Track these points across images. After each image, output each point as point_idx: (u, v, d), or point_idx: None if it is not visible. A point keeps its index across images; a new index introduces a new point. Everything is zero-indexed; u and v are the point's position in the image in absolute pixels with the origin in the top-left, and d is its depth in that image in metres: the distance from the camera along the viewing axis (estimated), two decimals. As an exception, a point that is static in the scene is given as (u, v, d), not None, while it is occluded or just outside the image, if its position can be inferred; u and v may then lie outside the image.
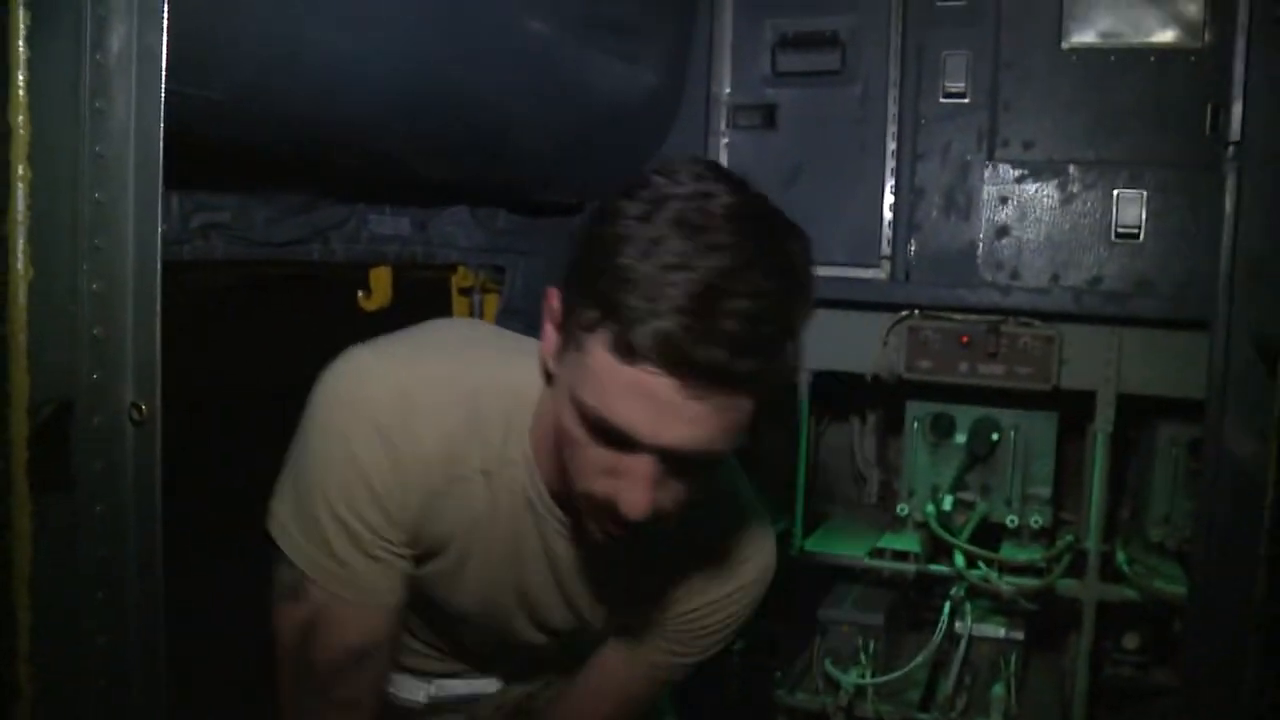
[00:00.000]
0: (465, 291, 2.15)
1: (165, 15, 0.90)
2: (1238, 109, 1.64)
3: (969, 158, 2.27)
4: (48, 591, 0.84)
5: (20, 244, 0.84)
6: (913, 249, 2.32)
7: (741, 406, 0.94)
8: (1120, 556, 2.33)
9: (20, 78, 0.84)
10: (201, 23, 1.12)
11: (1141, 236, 2.18)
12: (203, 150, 1.28)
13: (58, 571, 0.85)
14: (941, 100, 2.27)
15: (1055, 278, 2.23)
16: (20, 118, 0.84)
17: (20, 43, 0.84)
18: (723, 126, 2.39)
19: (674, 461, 0.96)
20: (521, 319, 2.17)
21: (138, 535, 0.88)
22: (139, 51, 0.90)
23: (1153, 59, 2.16)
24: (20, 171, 0.84)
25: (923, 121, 2.29)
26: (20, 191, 0.84)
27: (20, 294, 0.84)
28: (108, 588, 0.89)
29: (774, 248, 0.94)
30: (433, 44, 1.50)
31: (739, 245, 0.91)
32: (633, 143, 2.22)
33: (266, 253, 1.65)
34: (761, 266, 0.91)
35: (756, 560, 1.24)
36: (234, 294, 2.09)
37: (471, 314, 2.14)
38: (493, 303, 2.18)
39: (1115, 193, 2.19)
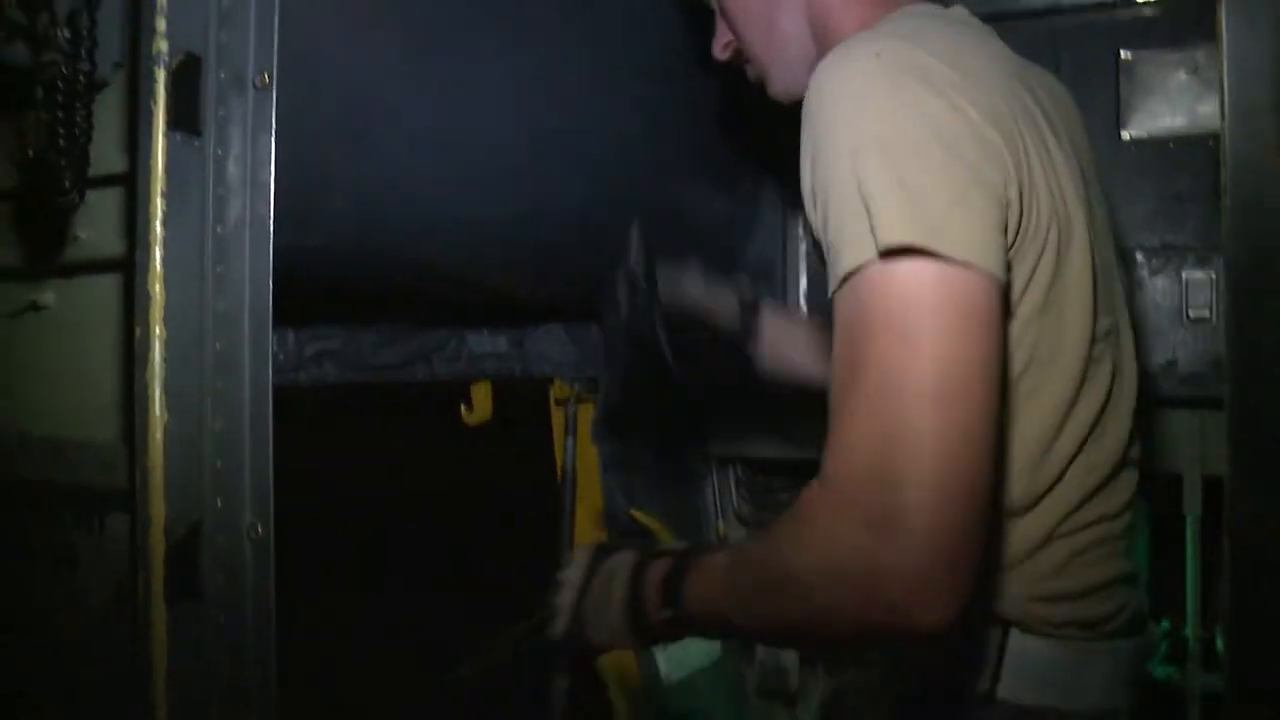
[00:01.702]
0: (561, 402, 2.29)
1: (272, 188, 1.07)
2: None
3: (1037, 251, 2.33)
4: (180, 686, 0.98)
5: (157, 393, 1.00)
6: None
7: None
8: (1220, 644, 2.32)
9: (157, 254, 1.01)
10: (302, 180, 1.28)
11: (1214, 318, 2.22)
12: (312, 291, 1.44)
13: (188, 668, 0.99)
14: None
15: (1131, 363, 2.28)
16: (157, 287, 1.01)
17: (157, 224, 1.01)
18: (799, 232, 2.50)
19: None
20: (617, 425, 2.30)
21: (255, 637, 1.02)
22: (251, 219, 1.07)
23: (1212, 144, 2.22)
24: (157, 331, 1.01)
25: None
26: (157, 348, 1.01)
27: (158, 435, 1.00)
28: (229, 683, 1.03)
29: None
30: (525, 181, 1.65)
31: None
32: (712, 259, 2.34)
33: (374, 375, 1.82)
34: None
35: None
36: (346, 412, 2.27)
37: (566, 425, 2.27)
38: (587, 412, 2.31)
39: (1184, 275, 2.23)
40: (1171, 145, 2.23)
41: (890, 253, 0.93)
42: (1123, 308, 1.30)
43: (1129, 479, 1.24)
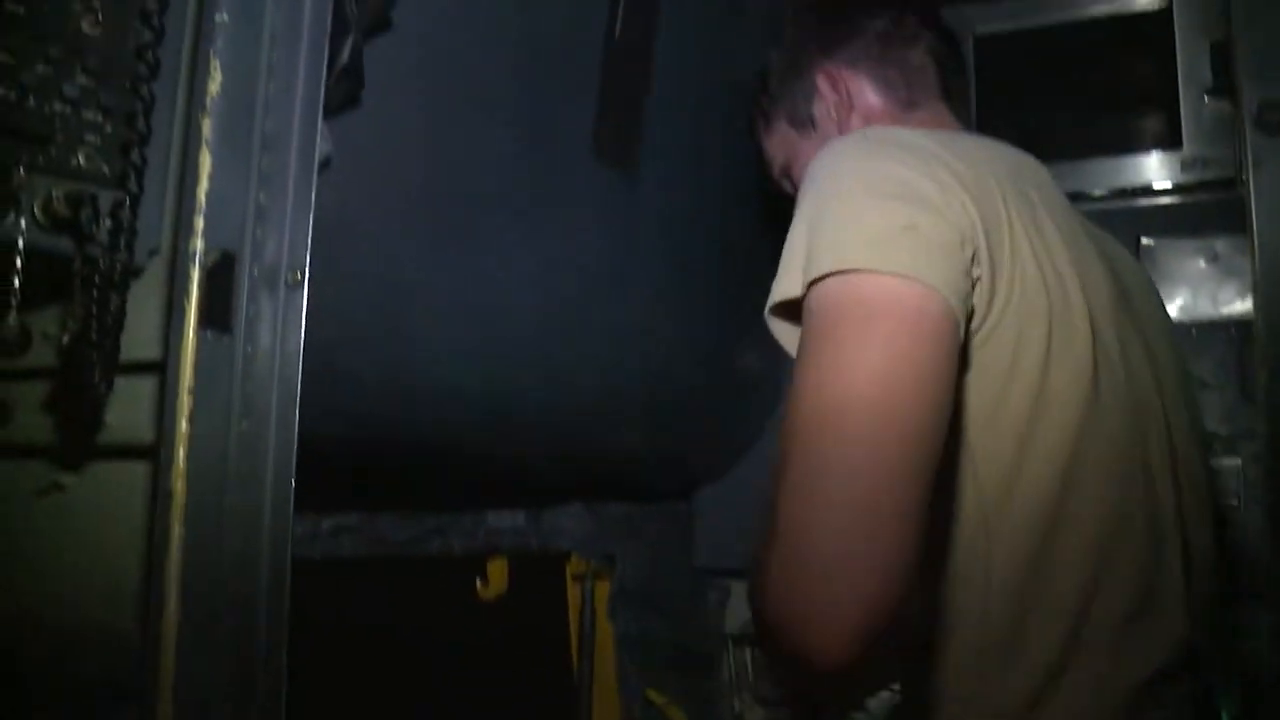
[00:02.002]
0: (578, 578, 2.26)
1: (299, 384, 1.08)
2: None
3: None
4: None
5: (173, 593, 0.99)
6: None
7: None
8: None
9: (181, 451, 1.01)
10: (329, 369, 1.29)
11: (1241, 506, 2.19)
12: (334, 477, 1.44)
13: None
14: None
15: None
16: (179, 484, 1.00)
17: (184, 421, 1.01)
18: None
19: None
20: (633, 602, 2.27)
21: None
22: (277, 417, 1.07)
23: (1233, 330, 2.23)
24: (176, 530, 1.00)
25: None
26: (175, 547, 1.00)
27: (171, 634, 0.99)
28: None
29: None
30: (550, 359, 1.66)
31: None
32: (736, 437, 2.34)
33: (390, 550, 1.80)
34: None
35: None
36: (359, 583, 2.24)
37: (583, 601, 2.24)
38: (604, 589, 2.28)
39: (1210, 463, 2.21)
40: (1194, 332, 2.24)
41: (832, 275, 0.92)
42: (1200, 486, 1.21)
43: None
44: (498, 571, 2.08)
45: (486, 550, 2.02)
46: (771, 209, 1.65)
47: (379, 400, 1.41)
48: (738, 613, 2.52)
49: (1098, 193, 2.34)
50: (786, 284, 0.98)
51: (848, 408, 0.86)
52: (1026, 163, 1.21)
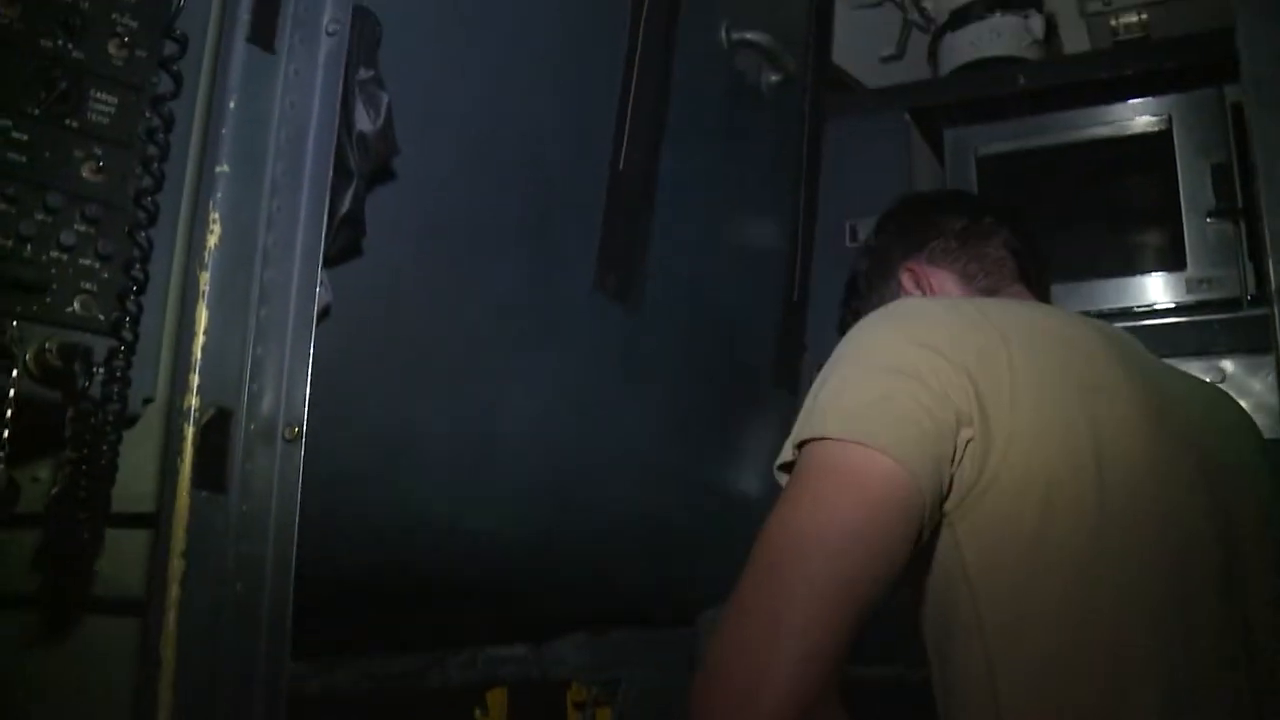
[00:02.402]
0: (579, 705, 2.20)
1: (295, 541, 1.05)
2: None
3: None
4: None
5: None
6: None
7: None
8: None
9: (172, 617, 0.97)
10: (327, 520, 1.26)
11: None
12: (330, 617, 1.40)
13: None
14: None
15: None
16: (169, 651, 0.97)
17: (175, 586, 0.98)
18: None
19: None
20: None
21: None
22: (272, 576, 1.04)
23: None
24: (166, 698, 0.96)
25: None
26: (164, 715, 0.96)
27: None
28: None
29: None
30: (545, 503, 1.63)
31: None
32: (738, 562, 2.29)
33: (387, 683, 1.75)
34: None
35: None
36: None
37: (585, 731, 2.19)
38: (605, 715, 2.22)
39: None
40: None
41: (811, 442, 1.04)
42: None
43: None
44: (497, 701, 2.03)
45: (486, 681, 1.97)
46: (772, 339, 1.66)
47: (377, 544, 1.38)
48: None
49: (1104, 311, 2.33)
50: (787, 448, 1.09)
51: (792, 549, 0.99)
52: (1083, 326, 1.24)
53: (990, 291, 1.40)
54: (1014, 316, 1.16)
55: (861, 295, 1.55)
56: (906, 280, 1.45)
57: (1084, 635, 1.05)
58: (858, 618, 0.97)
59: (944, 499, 1.05)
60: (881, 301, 1.43)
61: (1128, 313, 2.31)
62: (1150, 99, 2.36)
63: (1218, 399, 1.36)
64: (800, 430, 1.06)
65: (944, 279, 1.42)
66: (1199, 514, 1.13)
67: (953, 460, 1.05)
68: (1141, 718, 1.03)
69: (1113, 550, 1.06)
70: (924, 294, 1.41)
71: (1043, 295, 1.45)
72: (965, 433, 1.04)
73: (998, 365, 1.07)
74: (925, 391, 1.03)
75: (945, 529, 1.08)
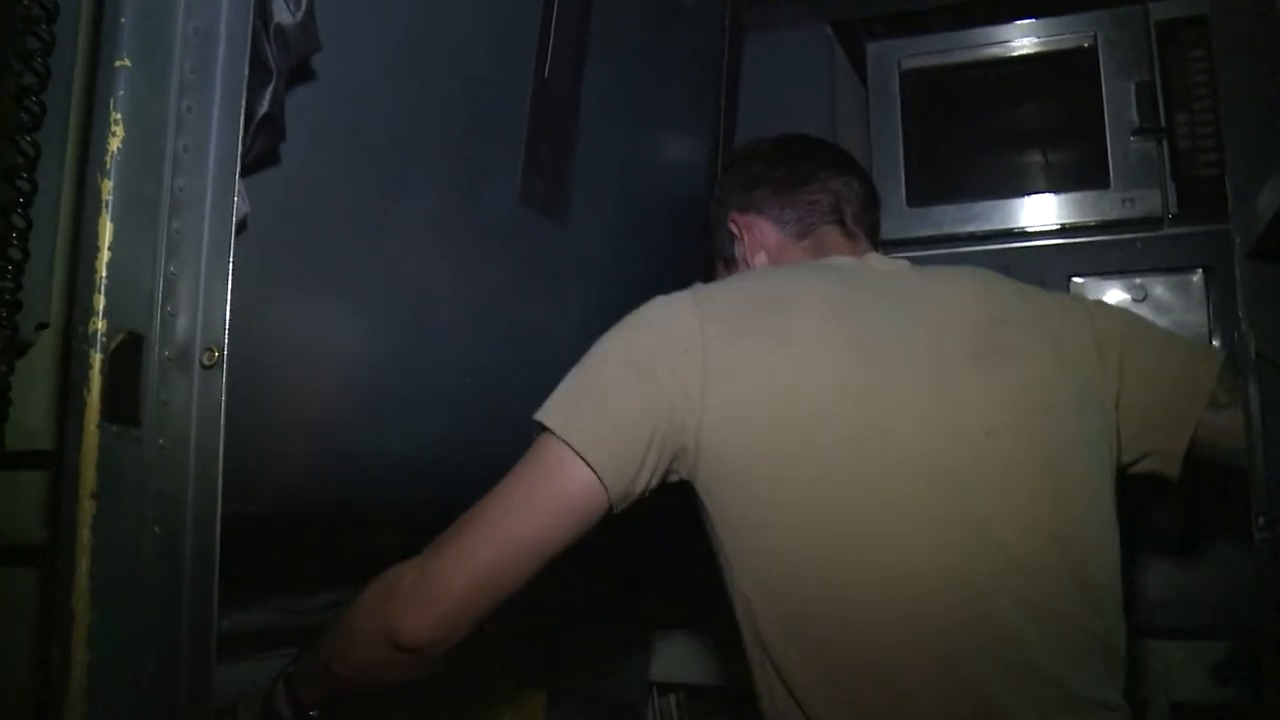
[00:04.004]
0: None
1: (220, 481, 0.95)
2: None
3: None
4: None
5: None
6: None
7: None
8: None
9: (84, 566, 0.87)
10: (247, 453, 1.16)
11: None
12: (254, 560, 1.31)
13: None
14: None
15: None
16: (81, 604, 0.87)
17: (85, 531, 0.88)
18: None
19: None
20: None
21: None
22: (195, 520, 0.94)
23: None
24: (80, 656, 0.86)
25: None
26: (78, 675, 0.86)
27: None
28: None
29: None
30: (483, 424, 1.55)
31: None
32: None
33: (307, 618, 1.66)
34: None
35: None
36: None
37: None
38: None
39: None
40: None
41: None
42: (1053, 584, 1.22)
43: None
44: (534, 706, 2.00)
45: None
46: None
47: (303, 475, 1.29)
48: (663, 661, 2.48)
49: (1027, 230, 2.31)
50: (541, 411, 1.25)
51: (493, 505, 1.20)
52: (863, 287, 1.35)
53: (801, 235, 1.53)
54: (816, 279, 1.32)
55: (713, 242, 1.66)
56: (732, 229, 1.58)
57: (809, 572, 1.19)
58: (519, 574, 1.18)
59: (662, 478, 1.23)
60: (718, 248, 1.63)
61: (1051, 231, 2.29)
62: (1076, 15, 2.32)
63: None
64: (541, 410, 1.23)
65: (762, 226, 1.55)
66: (915, 429, 1.23)
67: (659, 448, 1.21)
68: (863, 614, 1.17)
69: (827, 482, 1.19)
70: (749, 241, 1.55)
71: (869, 232, 1.57)
72: (679, 419, 1.20)
73: (704, 363, 1.21)
74: (640, 394, 1.20)
75: (698, 492, 1.24)
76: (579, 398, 1.22)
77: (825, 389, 1.21)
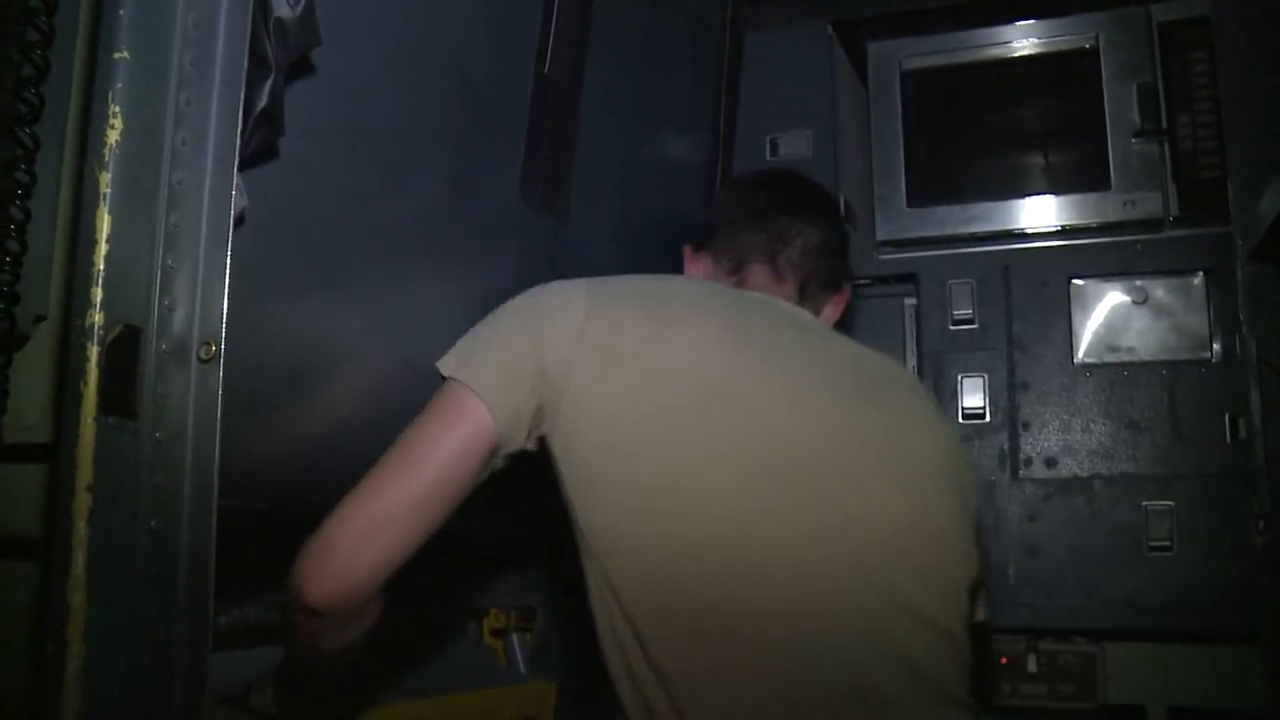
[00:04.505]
0: (497, 633, 2.15)
1: (216, 474, 0.95)
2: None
3: (993, 478, 2.28)
4: None
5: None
6: (944, 570, 2.30)
7: None
8: None
9: (80, 559, 0.87)
10: (241, 445, 1.16)
11: (1174, 549, 2.16)
12: (244, 554, 1.30)
13: None
14: (961, 421, 2.31)
15: (1091, 594, 2.20)
16: (78, 598, 0.86)
17: (82, 524, 0.87)
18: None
19: None
20: (552, 652, 2.17)
21: None
22: (191, 512, 0.94)
23: (1164, 372, 2.21)
24: (75, 650, 0.86)
25: (944, 443, 2.31)
26: (74, 668, 0.86)
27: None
28: None
29: None
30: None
31: None
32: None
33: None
34: None
35: None
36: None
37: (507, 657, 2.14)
38: (527, 641, 2.18)
39: (1144, 505, 2.19)
40: (1125, 373, 2.22)
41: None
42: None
43: None
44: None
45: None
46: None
47: (299, 470, 1.29)
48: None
49: (1028, 231, 2.31)
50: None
51: (388, 458, 1.23)
52: (767, 314, 1.46)
53: (733, 271, 1.60)
54: (693, 297, 1.40)
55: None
56: (687, 265, 1.67)
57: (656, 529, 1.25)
58: (435, 516, 1.23)
59: (533, 426, 1.29)
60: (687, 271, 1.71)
61: (1052, 232, 2.29)
62: (1078, 16, 2.32)
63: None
64: (439, 361, 1.30)
65: (702, 261, 1.65)
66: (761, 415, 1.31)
67: (538, 396, 1.28)
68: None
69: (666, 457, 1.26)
70: (688, 274, 1.65)
71: (809, 278, 1.58)
72: (554, 370, 1.28)
73: (583, 324, 1.30)
74: (526, 344, 1.29)
75: (554, 453, 1.29)
76: (473, 346, 1.30)
77: (695, 372, 1.30)
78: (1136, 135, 2.21)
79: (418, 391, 1.38)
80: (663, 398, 1.28)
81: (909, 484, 1.34)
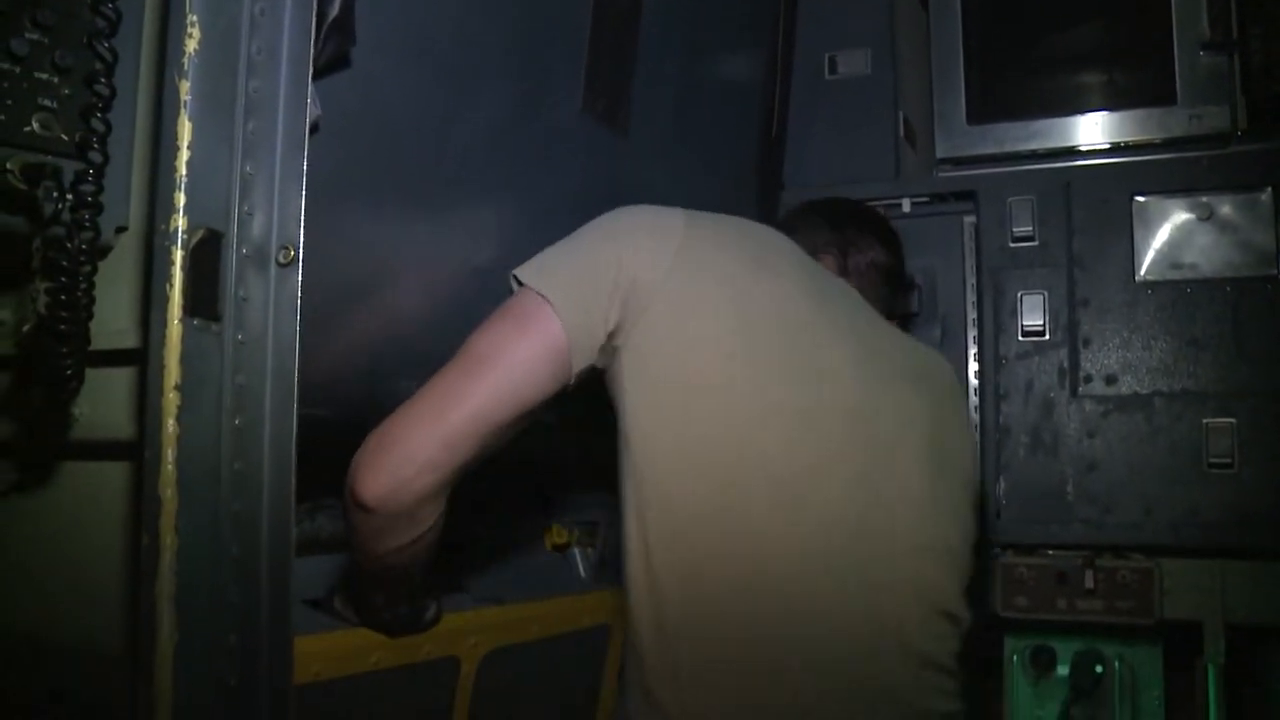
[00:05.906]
0: (559, 548, 2.19)
1: (296, 376, 0.98)
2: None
3: (1052, 394, 2.28)
4: None
5: (167, 611, 0.89)
6: (1002, 488, 2.31)
7: None
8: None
9: (170, 454, 0.90)
10: (319, 352, 1.19)
11: (1235, 466, 2.15)
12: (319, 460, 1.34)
13: None
14: (1020, 339, 2.30)
15: (1149, 511, 2.20)
16: (169, 491, 0.90)
17: (171, 421, 0.91)
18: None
19: None
20: (611, 569, 2.21)
21: None
22: (273, 410, 0.97)
23: (1229, 289, 2.18)
24: (168, 541, 0.90)
25: (1004, 361, 2.31)
26: (168, 559, 0.90)
27: (167, 655, 0.89)
28: None
29: None
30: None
31: None
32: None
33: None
34: None
35: None
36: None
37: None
38: (588, 555, 2.22)
39: (1205, 422, 2.17)
40: (1189, 290, 2.19)
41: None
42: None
43: None
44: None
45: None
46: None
47: (368, 376, 1.32)
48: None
49: (1089, 148, 2.28)
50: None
51: (468, 352, 1.24)
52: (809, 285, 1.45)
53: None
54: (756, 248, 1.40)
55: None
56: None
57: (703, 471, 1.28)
58: (499, 425, 1.23)
59: (607, 340, 1.29)
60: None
61: (1115, 148, 2.26)
62: (1146, -75, 2.27)
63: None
64: (518, 268, 1.31)
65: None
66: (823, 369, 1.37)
67: (619, 303, 1.28)
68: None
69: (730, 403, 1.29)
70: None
71: (869, 286, 1.63)
72: (635, 294, 1.28)
73: (681, 245, 1.31)
74: (605, 265, 1.29)
75: (620, 374, 1.30)
76: (554, 259, 1.31)
77: (776, 319, 1.33)
78: (1205, 48, 2.17)
79: (481, 301, 1.41)
80: (741, 338, 1.30)
81: (943, 468, 1.45)
